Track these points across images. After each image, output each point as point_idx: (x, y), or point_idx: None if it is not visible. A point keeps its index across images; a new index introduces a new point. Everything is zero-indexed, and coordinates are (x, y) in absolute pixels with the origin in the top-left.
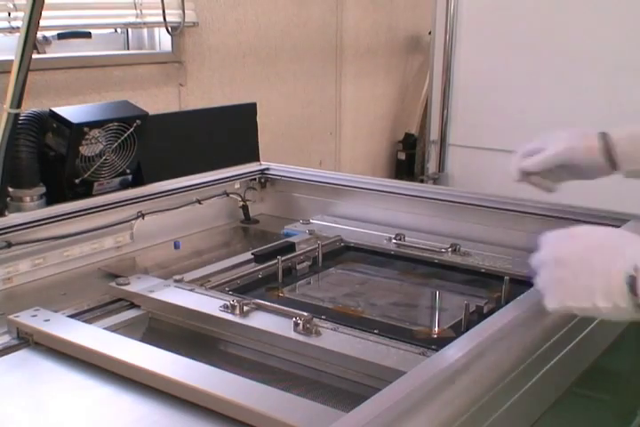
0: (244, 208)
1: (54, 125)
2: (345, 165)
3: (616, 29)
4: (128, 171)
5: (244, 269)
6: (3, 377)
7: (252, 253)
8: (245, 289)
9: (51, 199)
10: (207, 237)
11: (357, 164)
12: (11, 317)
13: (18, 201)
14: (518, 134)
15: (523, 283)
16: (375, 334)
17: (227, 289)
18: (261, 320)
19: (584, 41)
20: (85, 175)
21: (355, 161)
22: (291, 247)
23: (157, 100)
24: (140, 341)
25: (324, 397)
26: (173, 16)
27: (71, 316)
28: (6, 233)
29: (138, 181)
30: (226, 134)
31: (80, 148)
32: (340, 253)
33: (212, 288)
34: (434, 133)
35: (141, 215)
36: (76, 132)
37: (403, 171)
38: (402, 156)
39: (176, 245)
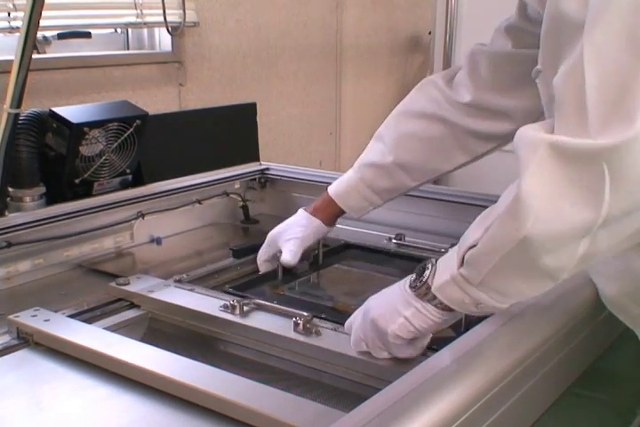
0: (244, 208)
1: (54, 125)
2: (345, 165)
3: None
4: (128, 171)
5: (243, 268)
6: (3, 377)
7: (231, 249)
8: (245, 287)
9: (51, 199)
10: (207, 237)
11: None
12: (11, 317)
13: (18, 201)
14: None
15: None
16: None
17: (227, 286)
18: (261, 320)
19: None
20: (85, 175)
21: (355, 161)
22: None
23: (157, 100)
24: (140, 341)
25: (324, 397)
26: (174, 16)
27: (71, 316)
28: (6, 233)
29: (138, 181)
30: (226, 134)
31: (80, 148)
32: (340, 250)
33: (213, 288)
34: None
35: (141, 215)
36: (76, 132)
37: None
38: None
39: (158, 241)
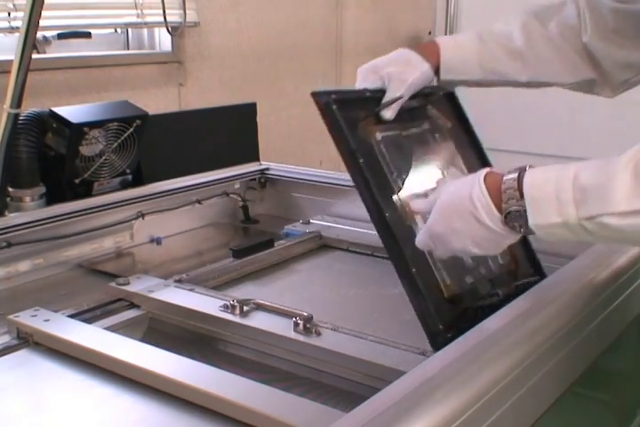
0: (244, 208)
1: (54, 125)
2: (345, 166)
3: None
4: (128, 171)
5: (243, 268)
6: (3, 377)
7: (231, 249)
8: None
9: (51, 199)
10: (207, 237)
11: None
12: (11, 317)
13: (18, 201)
14: (518, 134)
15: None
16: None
17: None
18: (261, 320)
19: None
20: (85, 175)
21: None
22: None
23: (157, 100)
24: (140, 341)
25: (324, 397)
26: (174, 16)
27: (71, 316)
28: (6, 233)
29: (138, 181)
30: (226, 134)
31: (80, 148)
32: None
33: (213, 288)
34: None
35: (141, 215)
36: (76, 132)
37: None
38: None
39: (158, 241)
